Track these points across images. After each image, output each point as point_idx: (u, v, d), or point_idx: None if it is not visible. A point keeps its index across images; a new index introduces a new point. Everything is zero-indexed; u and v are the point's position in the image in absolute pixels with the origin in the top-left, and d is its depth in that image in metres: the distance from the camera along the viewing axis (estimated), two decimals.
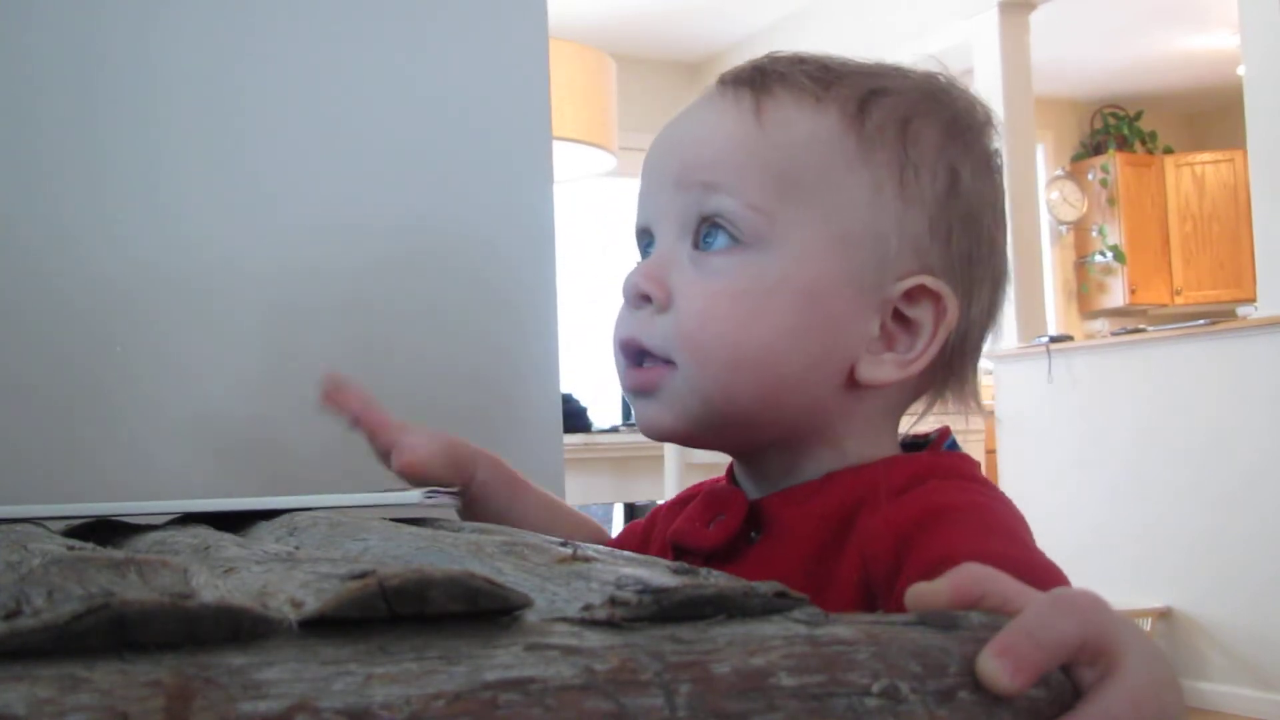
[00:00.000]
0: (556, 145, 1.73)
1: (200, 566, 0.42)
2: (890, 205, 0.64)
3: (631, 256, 0.71)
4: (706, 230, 0.65)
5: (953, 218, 0.65)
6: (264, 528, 0.63)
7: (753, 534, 0.65)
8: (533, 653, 0.29)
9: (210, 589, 0.37)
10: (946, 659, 0.32)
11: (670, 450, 2.54)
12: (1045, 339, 4.01)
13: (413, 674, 0.27)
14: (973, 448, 3.66)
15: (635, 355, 0.67)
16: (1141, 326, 4.83)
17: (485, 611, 0.31)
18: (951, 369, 0.68)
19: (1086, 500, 3.84)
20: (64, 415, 0.93)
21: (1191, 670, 3.54)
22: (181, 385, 0.96)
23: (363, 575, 0.31)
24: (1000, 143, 0.71)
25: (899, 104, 0.66)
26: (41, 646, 0.26)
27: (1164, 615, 3.62)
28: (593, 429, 2.85)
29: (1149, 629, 3.58)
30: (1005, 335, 4.05)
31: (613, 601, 0.32)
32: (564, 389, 1.17)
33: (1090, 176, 6.54)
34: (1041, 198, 6.27)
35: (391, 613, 0.30)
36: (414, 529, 0.55)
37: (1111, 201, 6.52)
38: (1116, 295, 6.52)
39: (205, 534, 0.57)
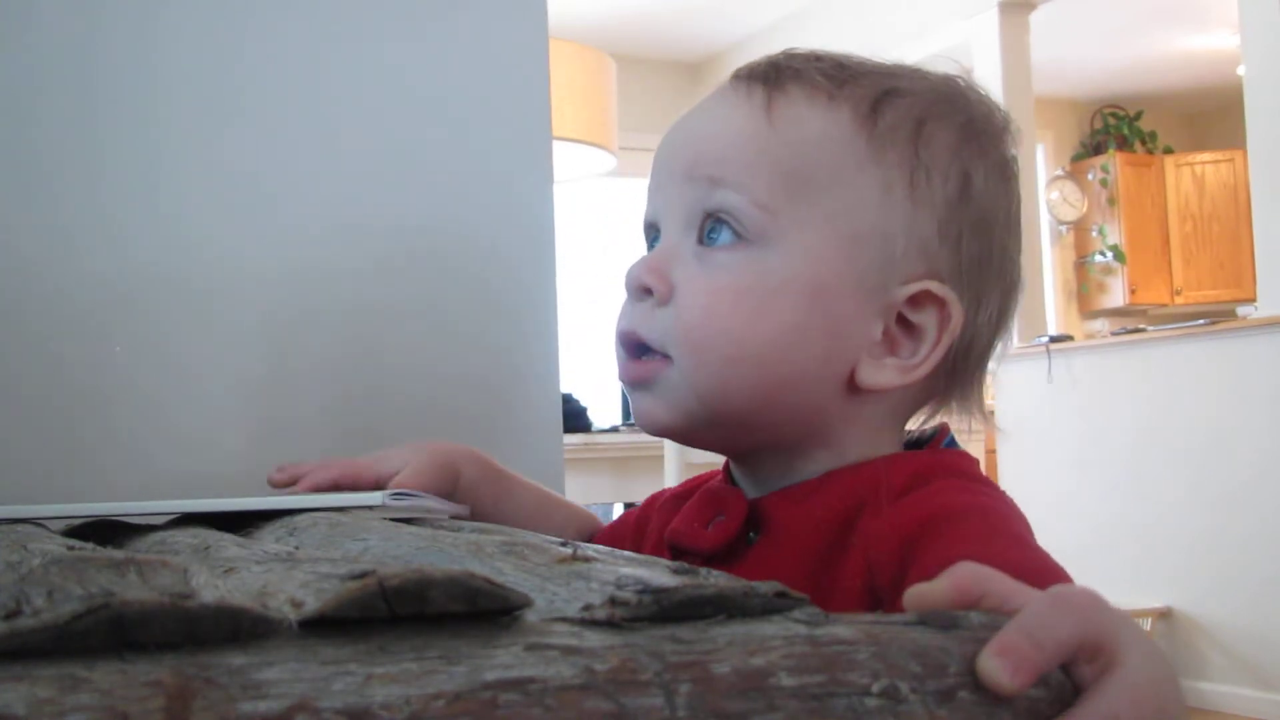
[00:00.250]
0: (556, 145, 1.73)
1: (200, 566, 0.42)
2: (899, 207, 0.63)
3: (638, 250, 0.70)
4: (711, 225, 0.64)
5: (963, 223, 0.64)
6: (264, 528, 0.63)
7: (751, 535, 0.64)
8: (533, 653, 0.29)
9: (210, 589, 0.37)
10: (946, 659, 0.32)
11: (670, 450, 2.54)
12: (1045, 339, 4.01)
13: (413, 674, 0.27)
14: (973, 448, 3.65)
15: (634, 348, 0.66)
16: (1141, 326, 4.83)
17: (485, 611, 0.31)
18: (956, 376, 0.67)
19: (1086, 500, 3.84)
20: (64, 415, 0.93)
21: (1191, 670, 3.54)
22: (181, 385, 0.96)
23: (363, 575, 0.31)
24: (1018, 149, 0.70)
25: (913, 105, 0.65)
26: (41, 646, 0.26)
27: (1164, 615, 3.62)
28: (593, 429, 2.86)
29: (1149, 629, 3.58)
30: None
31: (613, 601, 0.32)
32: (564, 389, 1.17)
33: (1090, 176, 6.54)
34: (1041, 198, 6.27)
35: (391, 613, 0.30)
36: (414, 529, 0.55)
37: (1111, 201, 6.52)
38: (1116, 295, 6.52)
39: (205, 534, 0.57)
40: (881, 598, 0.56)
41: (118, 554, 0.38)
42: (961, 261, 0.64)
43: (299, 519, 0.61)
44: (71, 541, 0.51)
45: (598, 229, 5.72)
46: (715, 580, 0.35)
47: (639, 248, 0.71)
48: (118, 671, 0.25)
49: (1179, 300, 6.58)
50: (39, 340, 0.93)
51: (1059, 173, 6.55)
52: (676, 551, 0.67)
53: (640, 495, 0.80)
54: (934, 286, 0.63)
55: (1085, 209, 6.52)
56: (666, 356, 0.64)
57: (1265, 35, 3.55)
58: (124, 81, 0.97)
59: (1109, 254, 6.46)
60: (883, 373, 0.64)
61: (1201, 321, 3.78)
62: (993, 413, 4.11)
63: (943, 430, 0.68)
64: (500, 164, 1.10)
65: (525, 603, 0.32)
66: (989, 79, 4.24)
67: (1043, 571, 0.51)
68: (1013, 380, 4.07)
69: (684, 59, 6.10)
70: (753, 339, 0.63)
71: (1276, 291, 3.49)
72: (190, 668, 0.26)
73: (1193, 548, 3.57)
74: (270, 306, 1.00)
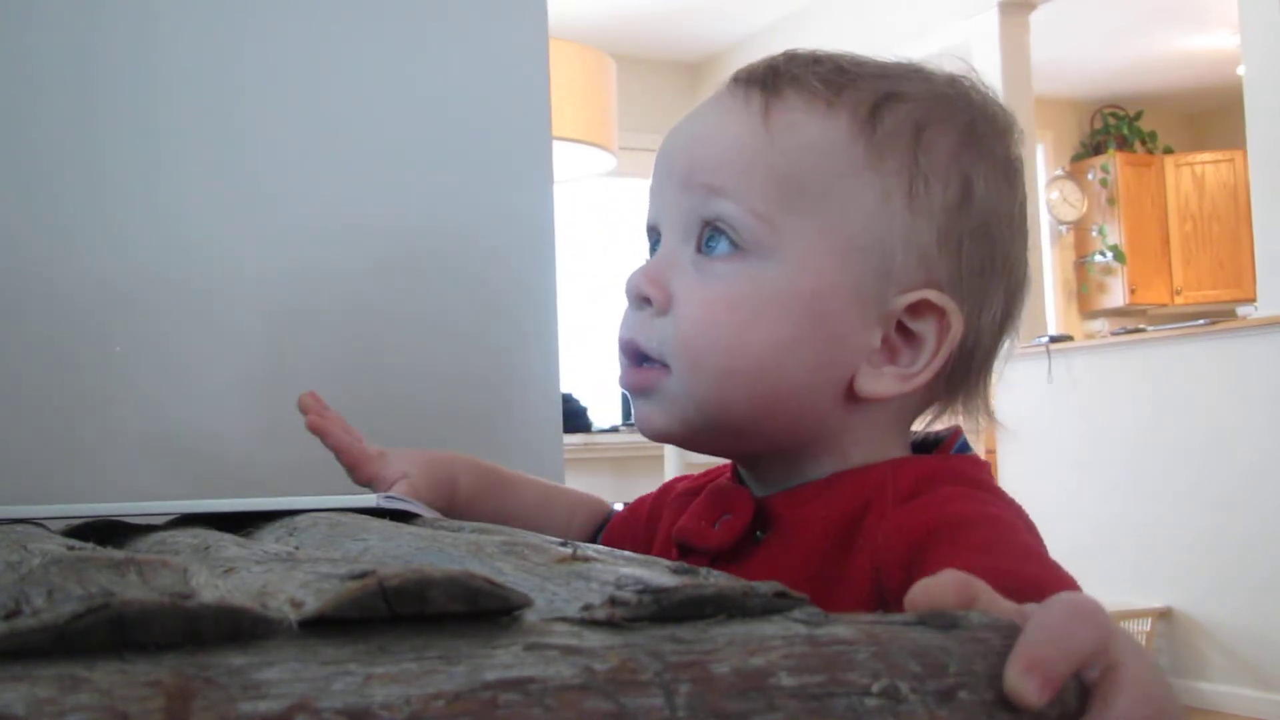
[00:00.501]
0: (556, 145, 1.73)
1: (200, 566, 0.42)
2: (898, 216, 0.63)
3: (641, 253, 0.70)
4: (709, 234, 0.64)
5: (964, 229, 0.64)
6: (264, 528, 0.63)
7: (758, 533, 0.64)
8: (532, 653, 0.29)
9: (210, 589, 0.37)
10: (946, 659, 0.32)
11: (670, 450, 2.54)
12: (1045, 339, 4.01)
13: (412, 674, 0.27)
14: (973, 447, 3.65)
15: (634, 356, 0.66)
16: (1141, 326, 4.83)
17: (485, 611, 0.31)
18: (960, 379, 0.67)
19: (1086, 500, 3.84)
20: (64, 415, 0.93)
21: (1191, 670, 3.54)
22: (181, 386, 0.96)
23: (363, 575, 0.31)
24: (1022, 148, 0.69)
25: (913, 110, 0.64)
26: (41, 646, 0.26)
27: (1164, 615, 3.62)
28: (593, 429, 2.86)
29: (1149, 629, 3.58)
30: None
31: (612, 601, 0.32)
32: (564, 389, 1.17)
33: (1090, 176, 6.54)
34: (1041, 198, 6.27)
35: (391, 613, 0.30)
36: (414, 529, 0.55)
37: (1111, 201, 6.52)
38: (1116, 295, 6.52)
39: (205, 534, 0.57)
40: (888, 600, 0.56)
41: (118, 554, 0.38)
42: (962, 268, 0.64)
43: (299, 519, 0.62)
44: (71, 541, 0.51)
45: (598, 229, 5.72)
46: (715, 580, 0.35)
47: (639, 248, 0.71)
48: (118, 671, 0.25)
49: (1179, 300, 6.58)
50: (39, 340, 0.93)
51: (1059, 173, 6.55)
52: (684, 549, 0.66)
53: (640, 495, 0.80)
54: (933, 296, 0.63)
55: (1085, 209, 6.52)
56: (665, 366, 0.64)
57: (1265, 35, 3.55)
58: (124, 81, 0.97)
59: (1109, 254, 6.46)
60: (882, 381, 0.63)
61: (1201, 321, 3.78)
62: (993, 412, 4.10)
63: (955, 433, 0.68)
64: (500, 164, 1.10)
65: (525, 603, 0.32)
66: (989, 79, 4.21)
67: (1055, 585, 0.51)
68: (1013, 380, 4.05)
69: (684, 59, 6.10)
70: (749, 350, 0.62)
71: (1276, 291, 3.49)
72: (190, 668, 0.26)
73: (1193, 548, 3.57)
74: (270, 306, 1.00)
